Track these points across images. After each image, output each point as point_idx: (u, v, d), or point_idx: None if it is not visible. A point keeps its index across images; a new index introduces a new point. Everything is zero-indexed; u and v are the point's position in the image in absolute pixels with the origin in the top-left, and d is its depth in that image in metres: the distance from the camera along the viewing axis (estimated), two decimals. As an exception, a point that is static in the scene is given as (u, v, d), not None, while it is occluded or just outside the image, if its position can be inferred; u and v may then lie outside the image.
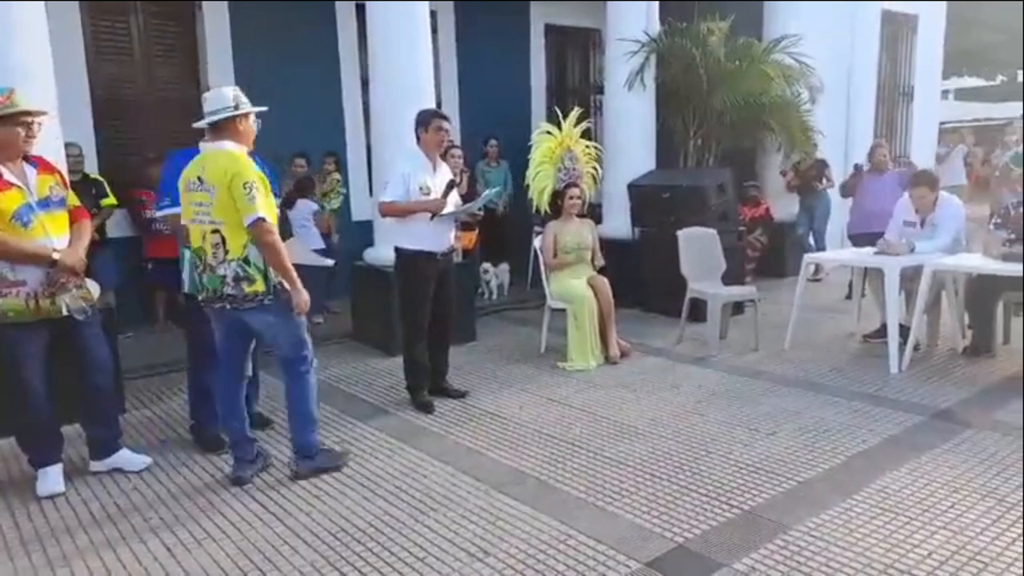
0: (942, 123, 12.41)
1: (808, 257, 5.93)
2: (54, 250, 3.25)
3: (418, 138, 4.43)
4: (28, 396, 3.34)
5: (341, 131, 7.64)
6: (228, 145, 3.32)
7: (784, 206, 8.59)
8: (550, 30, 9.27)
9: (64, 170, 3.83)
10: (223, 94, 3.37)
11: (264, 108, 3.51)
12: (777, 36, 7.79)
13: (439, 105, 6.82)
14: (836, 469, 3.50)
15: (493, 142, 8.15)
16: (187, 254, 3.71)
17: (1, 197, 3.15)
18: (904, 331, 5.05)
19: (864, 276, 5.83)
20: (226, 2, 6.85)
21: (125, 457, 3.70)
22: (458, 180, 4.99)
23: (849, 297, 6.70)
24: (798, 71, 7.63)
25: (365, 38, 5.86)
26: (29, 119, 3.26)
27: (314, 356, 3.57)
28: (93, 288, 3.47)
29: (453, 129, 8.11)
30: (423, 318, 4.49)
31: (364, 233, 6.06)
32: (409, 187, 4.33)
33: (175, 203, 3.60)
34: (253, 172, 3.26)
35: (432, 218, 4.34)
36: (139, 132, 6.56)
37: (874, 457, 3.62)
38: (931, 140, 11.72)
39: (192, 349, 3.93)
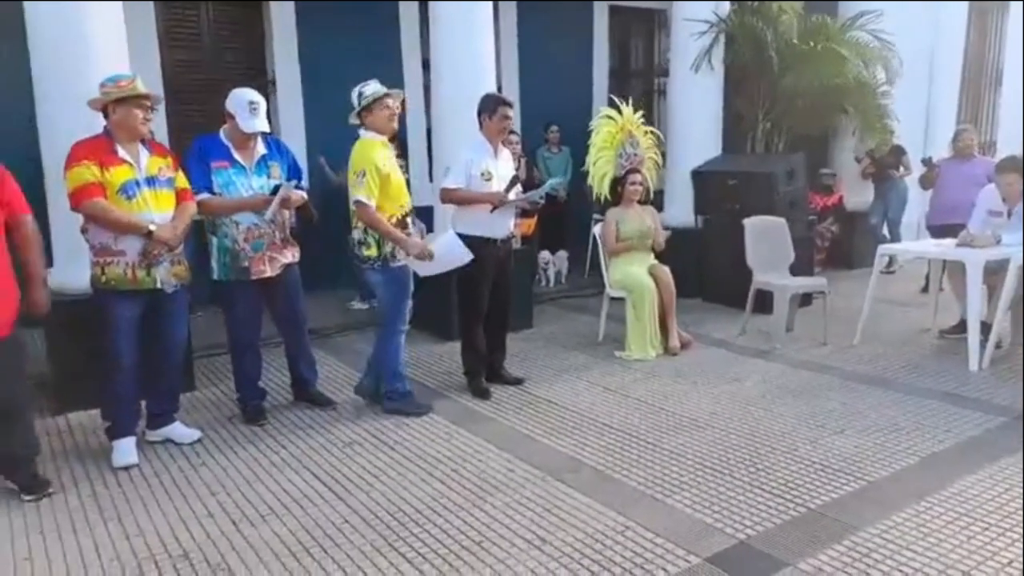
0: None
1: (883, 248, 5.68)
2: (151, 223, 3.45)
3: (481, 124, 4.41)
4: (119, 362, 3.53)
5: (403, 115, 7.67)
6: (363, 133, 4.00)
7: (856, 194, 8.27)
8: (614, 12, 9.08)
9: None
10: (354, 92, 3.97)
11: (378, 90, 3.97)
12: (854, 15, 7.46)
13: (499, 90, 6.77)
14: (909, 470, 3.35)
15: (554, 128, 8.05)
16: (215, 241, 3.85)
17: (113, 171, 3.40)
18: (985, 327, 4.80)
19: (943, 269, 5.56)
20: (292, -5, 6.95)
21: (178, 430, 3.87)
22: (517, 166, 4.96)
23: (926, 290, 6.41)
24: (876, 51, 7.28)
25: (427, 21, 5.86)
26: (147, 103, 3.51)
27: (405, 327, 4.20)
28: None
29: (514, 114, 8.09)
30: (481, 304, 4.49)
31: (424, 219, 6.07)
32: (471, 173, 4.33)
33: (199, 190, 3.80)
34: (367, 161, 3.86)
35: (492, 210, 4.33)
36: (208, 117, 6.71)
37: (950, 459, 3.46)
38: (1020, 125, 11.05)
39: (228, 333, 4.12)
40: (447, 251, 4.07)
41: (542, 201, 4.78)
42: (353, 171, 3.89)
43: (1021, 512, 2.94)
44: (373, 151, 3.89)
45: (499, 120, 4.36)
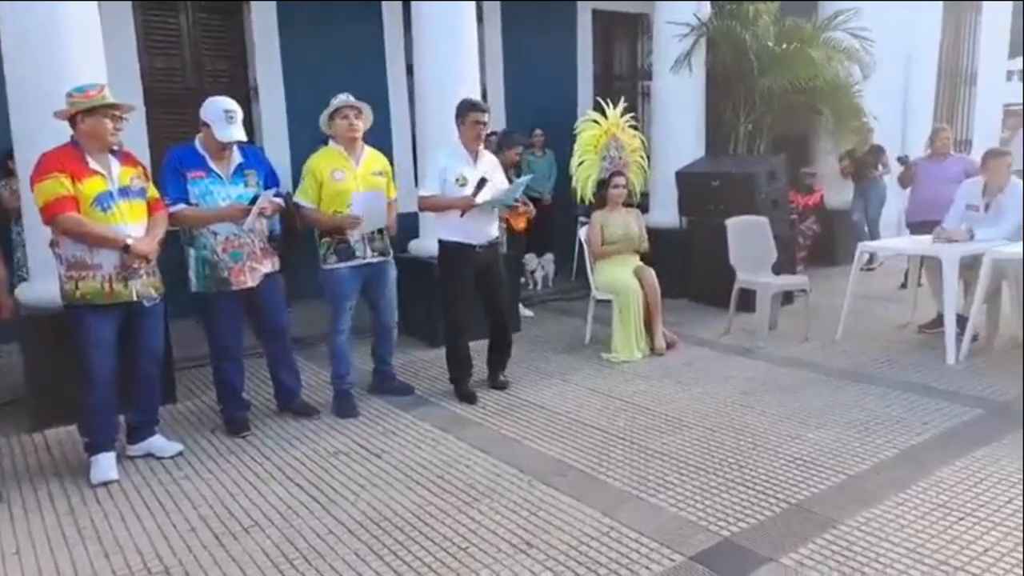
0: (1007, 105, 11.89)
1: (863, 245, 5.76)
2: (128, 236, 3.42)
3: (458, 130, 4.43)
4: (95, 377, 3.48)
5: (387, 122, 7.70)
6: (330, 143, 4.27)
7: (836, 193, 8.36)
8: (597, 16, 9.15)
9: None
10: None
11: (339, 101, 4.14)
12: (831, 14, 7.58)
13: (484, 94, 6.79)
14: (888, 463, 3.40)
15: (538, 131, 8.10)
16: (192, 252, 3.84)
17: (85, 183, 3.34)
18: (962, 321, 4.87)
19: (921, 265, 5.64)
20: (274, 1, 6.94)
21: (158, 443, 3.83)
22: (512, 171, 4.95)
23: (904, 286, 6.50)
24: (849, 50, 7.38)
25: (410, 27, 5.87)
26: (118, 112, 3.46)
27: (344, 328, 4.36)
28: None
29: (498, 118, 8.11)
30: (462, 309, 4.52)
31: (409, 225, 6.09)
32: (446, 179, 4.35)
33: (175, 201, 3.78)
34: (307, 168, 4.17)
35: (462, 215, 4.34)
36: (188, 126, 6.68)
37: (928, 451, 3.51)
38: (995, 123, 11.24)
39: (209, 345, 4.10)
40: (362, 205, 4.14)
41: (517, 203, 4.67)
42: (301, 177, 4.23)
43: (997, 500, 3.00)
44: (316, 159, 4.20)
45: (471, 125, 4.34)
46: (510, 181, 4.83)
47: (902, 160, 7.13)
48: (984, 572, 2.52)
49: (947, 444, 3.58)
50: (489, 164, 4.55)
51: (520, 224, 6.00)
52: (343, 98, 4.17)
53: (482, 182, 4.35)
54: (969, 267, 4.88)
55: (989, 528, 2.80)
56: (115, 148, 3.52)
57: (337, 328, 4.32)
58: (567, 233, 7.56)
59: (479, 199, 4.32)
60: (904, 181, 6.94)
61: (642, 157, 6.41)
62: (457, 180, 4.33)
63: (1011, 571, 2.51)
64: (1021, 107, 14.94)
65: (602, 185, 5.67)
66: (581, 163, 6.19)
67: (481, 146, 4.49)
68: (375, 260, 4.30)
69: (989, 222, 5.01)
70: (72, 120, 3.41)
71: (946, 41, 10.04)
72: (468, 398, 4.50)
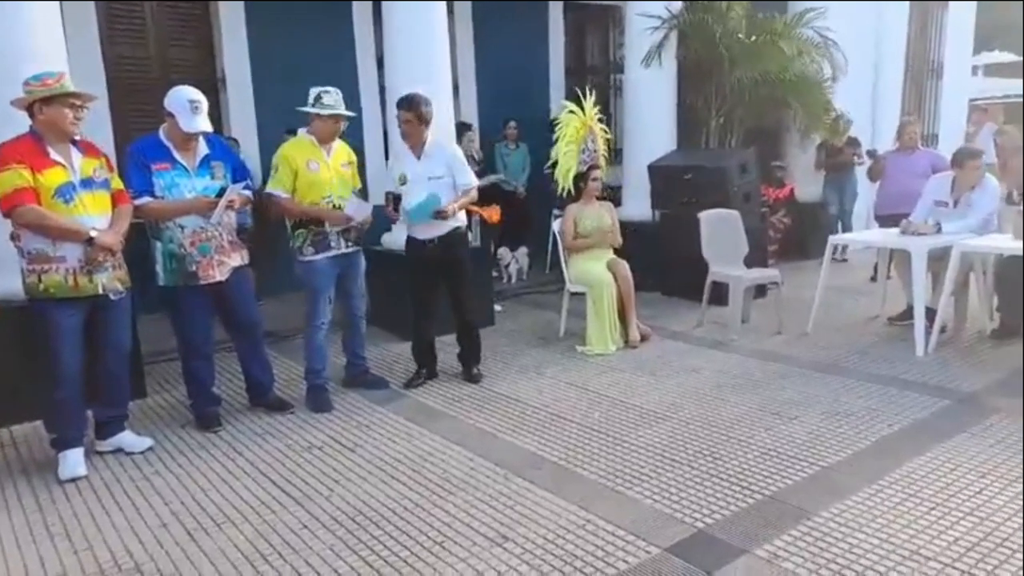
0: (972, 100, 12.11)
1: (834, 238, 5.82)
2: (92, 228, 3.34)
3: None
4: (61, 372, 3.41)
5: (358, 115, 7.60)
6: (300, 132, 4.20)
7: (806, 186, 8.44)
8: (569, 8, 9.13)
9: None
10: (312, 91, 4.06)
11: (338, 112, 4.09)
12: (801, 11, 7.63)
13: (456, 88, 6.72)
14: (861, 454, 3.44)
15: (512, 123, 8.06)
16: (159, 245, 3.77)
17: (45, 173, 3.27)
18: (931, 313, 4.95)
19: (890, 257, 5.72)
20: (242, -2, 6.82)
21: (128, 439, 3.77)
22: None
23: (874, 279, 6.59)
24: (821, 47, 7.45)
25: (380, 17, 5.80)
26: (77, 101, 3.36)
27: (323, 323, 4.31)
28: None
29: (471, 111, 8.07)
30: (417, 299, 4.61)
31: (382, 218, 6.02)
32: (393, 177, 4.40)
33: (140, 194, 3.69)
34: (280, 157, 4.07)
35: (393, 222, 4.44)
36: (154, 117, 6.53)
37: (899, 442, 3.55)
38: (960, 117, 11.44)
39: (177, 340, 4.03)
40: (355, 208, 4.16)
41: (444, 211, 4.36)
42: (273, 167, 4.13)
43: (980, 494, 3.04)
44: (290, 149, 4.11)
45: (400, 124, 4.34)
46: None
47: (871, 154, 7.23)
48: (955, 562, 2.55)
49: (917, 435, 3.62)
50: (438, 157, 4.41)
51: (494, 217, 5.96)
52: (334, 100, 4.06)
53: (397, 198, 4.38)
54: (938, 259, 4.95)
55: (959, 518, 2.84)
56: (76, 138, 3.43)
57: (316, 323, 4.25)
58: (542, 226, 7.54)
59: (401, 211, 4.36)
60: (873, 175, 7.03)
61: (605, 150, 6.41)
62: (399, 179, 4.36)
63: (981, 561, 2.55)
64: (989, 102, 15.25)
65: (580, 178, 5.66)
66: (564, 153, 6.15)
67: (424, 142, 4.37)
68: (349, 251, 4.27)
69: (957, 216, 5.10)
70: (30, 109, 3.31)
71: (912, 35, 10.19)
72: (408, 383, 4.61)
